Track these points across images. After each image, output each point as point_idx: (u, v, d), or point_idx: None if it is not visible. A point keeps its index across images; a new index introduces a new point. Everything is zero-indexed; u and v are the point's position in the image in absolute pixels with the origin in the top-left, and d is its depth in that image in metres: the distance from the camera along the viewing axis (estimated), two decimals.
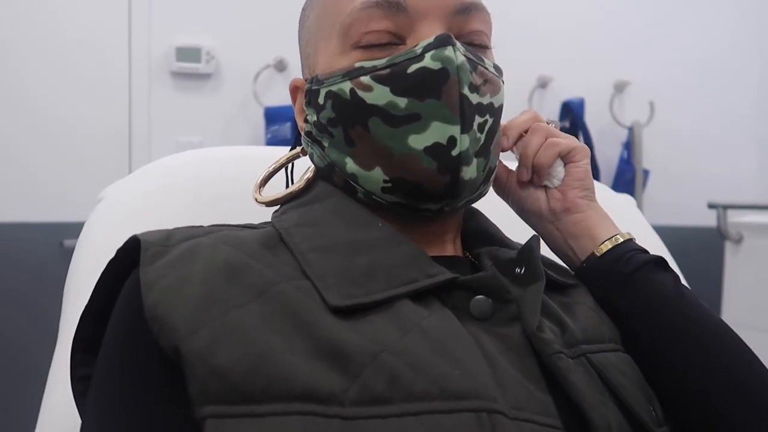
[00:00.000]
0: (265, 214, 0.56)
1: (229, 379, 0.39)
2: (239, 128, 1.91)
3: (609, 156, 2.17)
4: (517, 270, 0.51)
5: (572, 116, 2.09)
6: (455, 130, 0.48)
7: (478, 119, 0.50)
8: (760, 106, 2.33)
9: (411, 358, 0.41)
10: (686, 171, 2.22)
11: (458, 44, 0.49)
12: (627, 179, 2.12)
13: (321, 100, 0.52)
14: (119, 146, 1.83)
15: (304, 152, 0.58)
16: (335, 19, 0.51)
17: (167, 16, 1.85)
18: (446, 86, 0.48)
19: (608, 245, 0.57)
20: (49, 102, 1.77)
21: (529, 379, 0.44)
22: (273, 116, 1.86)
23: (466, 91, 0.48)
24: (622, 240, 0.57)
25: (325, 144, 0.53)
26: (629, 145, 2.14)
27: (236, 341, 0.40)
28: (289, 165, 0.62)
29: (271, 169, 0.60)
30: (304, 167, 0.59)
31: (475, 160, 0.50)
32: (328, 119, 0.52)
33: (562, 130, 2.33)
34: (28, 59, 1.75)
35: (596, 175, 2.05)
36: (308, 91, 0.54)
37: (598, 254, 0.57)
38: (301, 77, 0.58)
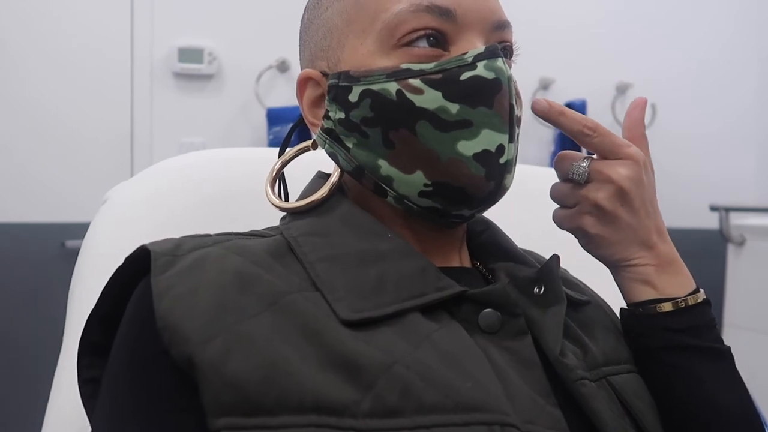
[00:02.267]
0: (270, 217, 0.56)
1: (242, 390, 0.39)
2: (242, 129, 1.91)
3: None
4: (536, 290, 0.51)
5: None
6: (504, 138, 0.49)
7: (516, 130, 0.51)
8: (762, 107, 2.33)
9: (423, 371, 0.41)
10: (688, 173, 2.22)
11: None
12: None
13: (354, 98, 0.50)
14: (121, 147, 1.83)
15: (314, 146, 0.56)
16: (375, 16, 0.50)
17: (169, 17, 1.85)
18: (498, 96, 0.49)
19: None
20: (51, 103, 1.77)
21: (539, 393, 0.45)
22: (275, 117, 1.86)
23: (513, 101, 0.50)
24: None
25: (350, 144, 0.51)
26: None
27: (249, 351, 0.40)
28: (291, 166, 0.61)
29: (278, 165, 0.58)
30: (300, 167, 0.59)
31: (513, 168, 0.51)
32: (363, 118, 0.50)
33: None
34: (30, 60, 1.75)
35: None
36: (333, 87, 0.51)
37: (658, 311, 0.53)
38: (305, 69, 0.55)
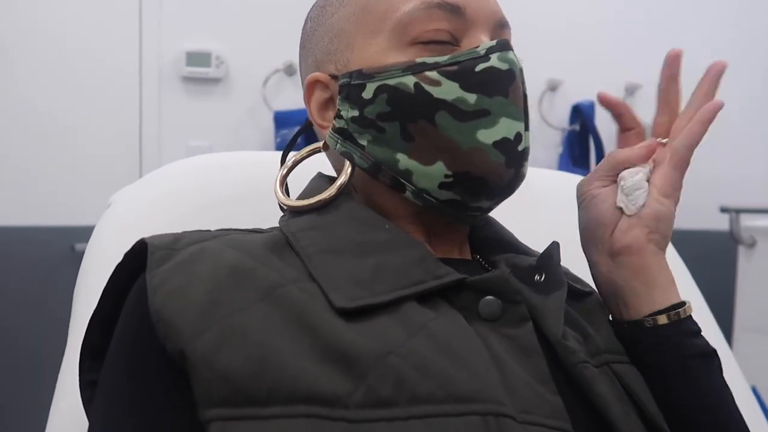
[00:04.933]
0: (276, 220, 0.56)
1: (233, 382, 0.39)
2: (249, 132, 1.91)
3: None
4: (537, 277, 0.52)
5: (582, 119, 2.08)
6: (521, 126, 0.51)
7: (529, 119, 0.53)
8: None
9: (417, 361, 0.41)
10: (698, 174, 2.18)
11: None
12: None
13: (368, 95, 0.51)
14: (130, 150, 1.84)
15: (324, 147, 0.56)
16: (385, 15, 0.52)
17: (177, 22, 1.86)
18: (513, 85, 0.51)
19: (669, 318, 0.52)
20: (59, 107, 1.78)
21: (539, 381, 0.44)
22: (282, 120, 1.86)
23: (526, 91, 0.52)
24: (685, 315, 0.52)
25: (364, 141, 0.52)
26: None
27: (240, 344, 0.40)
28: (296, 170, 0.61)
29: (290, 164, 0.58)
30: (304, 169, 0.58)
31: (528, 156, 0.53)
32: (379, 114, 0.51)
33: (572, 133, 2.30)
34: (39, 65, 1.77)
35: None
36: (345, 86, 0.52)
37: (658, 322, 0.52)
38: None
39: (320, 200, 0.53)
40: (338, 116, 0.53)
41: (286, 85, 1.92)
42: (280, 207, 0.57)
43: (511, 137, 0.50)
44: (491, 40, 0.52)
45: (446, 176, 0.50)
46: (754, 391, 0.80)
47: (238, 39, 1.89)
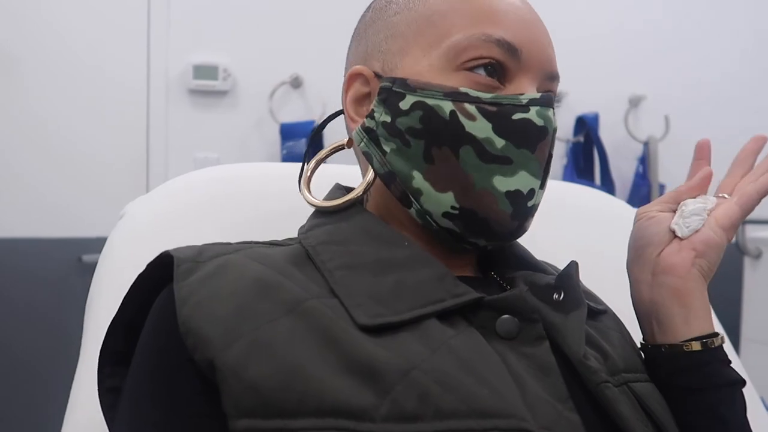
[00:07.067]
0: (287, 229, 0.57)
1: (262, 393, 0.40)
2: (255, 144, 1.92)
3: (625, 171, 2.16)
4: (555, 296, 0.52)
5: (587, 131, 2.08)
6: (536, 183, 0.51)
7: (547, 178, 0.54)
8: None
9: (440, 376, 0.42)
10: None
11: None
12: (643, 194, 2.11)
13: (405, 106, 0.51)
14: (137, 162, 1.86)
15: (348, 144, 0.57)
16: (445, 35, 0.51)
17: (184, 35, 1.88)
18: (542, 143, 0.51)
19: (702, 345, 0.52)
20: (67, 118, 1.80)
21: (557, 399, 0.45)
22: (288, 132, 1.87)
23: (552, 151, 0.52)
24: (718, 344, 0.53)
25: (388, 149, 0.52)
26: (645, 160, 2.13)
27: (267, 357, 0.41)
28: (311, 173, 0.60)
29: (313, 163, 0.58)
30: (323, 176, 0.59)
31: (535, 213, 0.53)
32: (409, 128, 0.51)
33: (576, 145, 2.29)
34: (47, 78, 1.79)
35: (612, 190, 2.04)
36: (386, 90, 0.52)
37: (688, 348, 0.52)
38: (362, 66, 0.55)
39: (350, 199, 0.53)
40: (371, 116, 0.53)
41: (292, 97, 1.93)
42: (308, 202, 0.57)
43: (525, 191, 0.50)
44: (538, 89, 0.52)
45: (453, 207, 0.50)
46: (763, 402, 0.80)
47: (245, 52, 1.91)
